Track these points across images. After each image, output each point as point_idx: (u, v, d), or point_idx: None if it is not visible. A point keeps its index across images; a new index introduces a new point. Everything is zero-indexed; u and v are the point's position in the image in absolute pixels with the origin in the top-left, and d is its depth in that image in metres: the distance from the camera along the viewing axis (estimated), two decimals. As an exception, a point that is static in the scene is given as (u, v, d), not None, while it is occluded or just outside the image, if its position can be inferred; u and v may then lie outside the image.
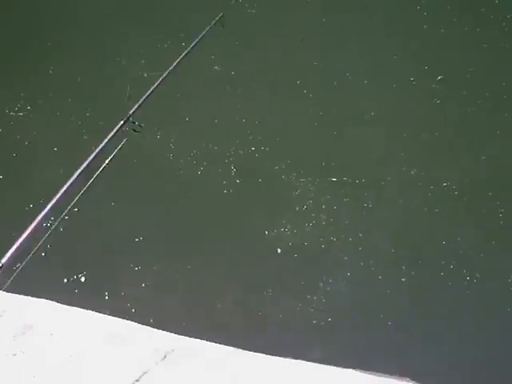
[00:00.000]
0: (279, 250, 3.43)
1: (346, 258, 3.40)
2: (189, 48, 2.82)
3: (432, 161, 3.70)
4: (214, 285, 3.37)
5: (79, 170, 2.33)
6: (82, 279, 3.41)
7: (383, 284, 3.29)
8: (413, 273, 3.32)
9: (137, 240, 3.52)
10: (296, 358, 2.54)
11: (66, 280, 3.38)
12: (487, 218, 3.47)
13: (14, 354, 2.78)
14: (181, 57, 2.76)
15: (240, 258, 3.44)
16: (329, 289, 3.31)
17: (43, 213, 2.20)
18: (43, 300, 3.11)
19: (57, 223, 2.38)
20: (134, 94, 2.64)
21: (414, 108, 3.93)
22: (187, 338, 2.72)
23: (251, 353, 2.54)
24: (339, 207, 3.59)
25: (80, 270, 3.43)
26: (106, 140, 2.44)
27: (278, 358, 2.55)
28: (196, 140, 3.89)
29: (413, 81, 4.04)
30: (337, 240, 3.46)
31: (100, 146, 2.40)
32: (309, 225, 3.53)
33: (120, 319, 2.99)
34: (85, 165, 2.35)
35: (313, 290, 3.31)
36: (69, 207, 2.39)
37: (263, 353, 2.48)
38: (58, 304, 3.10)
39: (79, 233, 3.50)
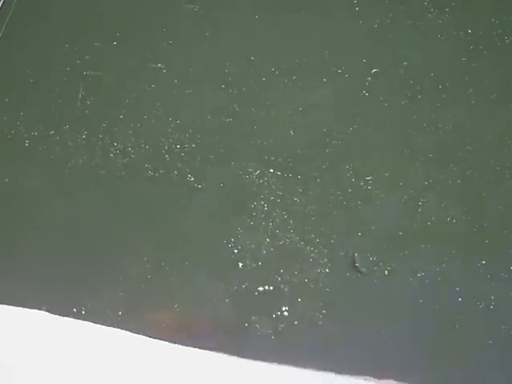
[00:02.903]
0: (240, 265, 3.54)
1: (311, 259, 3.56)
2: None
3: (366, 156, 3.89)
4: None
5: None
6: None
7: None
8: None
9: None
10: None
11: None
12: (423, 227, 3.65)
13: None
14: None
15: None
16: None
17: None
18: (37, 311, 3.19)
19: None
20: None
21: (347, 101, 4.08)
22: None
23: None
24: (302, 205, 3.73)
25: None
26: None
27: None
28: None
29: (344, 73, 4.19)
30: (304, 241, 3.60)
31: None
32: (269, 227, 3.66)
33: (117, 329, 3.09)
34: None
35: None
36: None
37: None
38: (54, 315, 3.18)
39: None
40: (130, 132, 4.00)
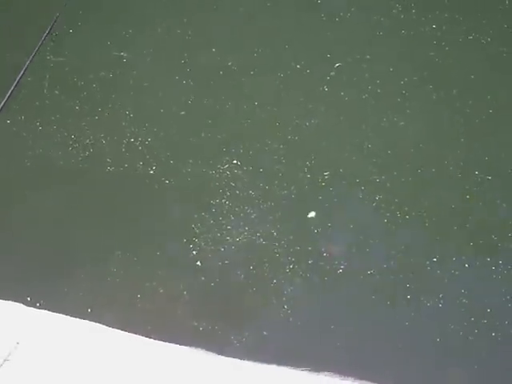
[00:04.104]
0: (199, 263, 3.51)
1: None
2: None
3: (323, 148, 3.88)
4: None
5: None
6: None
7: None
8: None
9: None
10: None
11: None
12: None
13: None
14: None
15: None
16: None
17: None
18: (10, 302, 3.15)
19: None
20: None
21: (306, 96, 4.05)
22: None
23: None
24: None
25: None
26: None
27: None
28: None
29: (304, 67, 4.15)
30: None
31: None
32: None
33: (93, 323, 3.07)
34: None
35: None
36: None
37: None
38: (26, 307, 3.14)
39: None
40: (84, 124, 3.96)
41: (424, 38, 4.29)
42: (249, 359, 3.22)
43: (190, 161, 3.83)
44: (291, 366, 3.19)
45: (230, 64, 4.17)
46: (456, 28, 4.30)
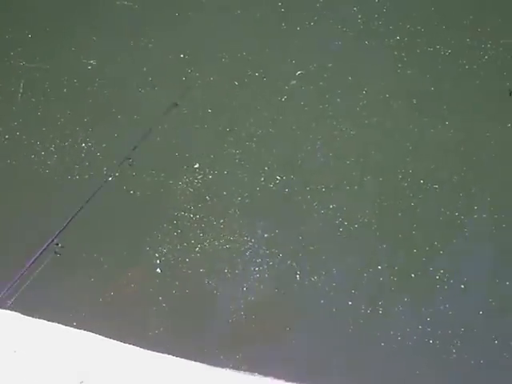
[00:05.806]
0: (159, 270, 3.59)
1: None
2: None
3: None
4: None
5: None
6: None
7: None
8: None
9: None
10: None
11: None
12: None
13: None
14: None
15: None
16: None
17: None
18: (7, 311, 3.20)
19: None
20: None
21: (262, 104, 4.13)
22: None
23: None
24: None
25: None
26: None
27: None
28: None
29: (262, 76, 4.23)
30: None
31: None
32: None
33: (86, 332, 3.11)
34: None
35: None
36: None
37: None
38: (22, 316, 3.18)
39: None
40: (46, 131, 4.06)
41: (386, 48, 4.33)
42: (210, 364, 3.28)
43: (148, 168, 3.92)
44: (261, 373, 3.24)
45: (189, 71, 4.24)
46: (417, 39, 4.34)
